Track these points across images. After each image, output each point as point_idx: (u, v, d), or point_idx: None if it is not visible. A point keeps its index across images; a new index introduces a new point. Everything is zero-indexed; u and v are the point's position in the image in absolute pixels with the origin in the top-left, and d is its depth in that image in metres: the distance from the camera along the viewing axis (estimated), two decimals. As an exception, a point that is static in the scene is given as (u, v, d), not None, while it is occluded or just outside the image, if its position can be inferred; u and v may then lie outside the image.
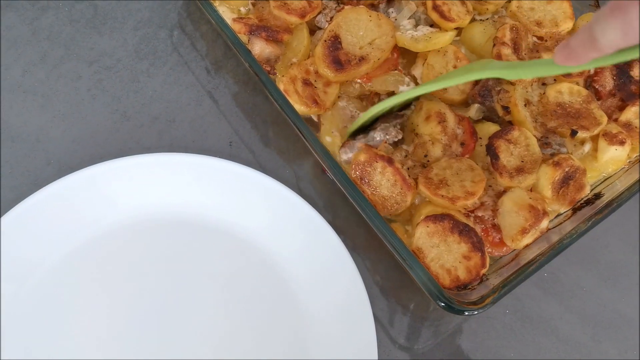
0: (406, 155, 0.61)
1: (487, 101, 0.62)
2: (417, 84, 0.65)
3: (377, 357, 0.55)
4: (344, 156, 0.61)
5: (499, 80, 0.63)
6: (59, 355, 0.56)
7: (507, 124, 0.63)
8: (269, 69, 0.64)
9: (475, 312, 0.50)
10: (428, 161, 0.60)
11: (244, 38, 0.65)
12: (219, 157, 0.64)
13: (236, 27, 0.64)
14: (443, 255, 0.55)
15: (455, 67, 0.63)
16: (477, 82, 0.63)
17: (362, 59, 0.62)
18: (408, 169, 0.60)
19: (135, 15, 0.76)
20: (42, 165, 0.66)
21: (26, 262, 0.59)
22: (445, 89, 0.63)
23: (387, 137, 0.61)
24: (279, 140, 0.70)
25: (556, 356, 0.61)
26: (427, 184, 0.58)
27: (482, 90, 0.62)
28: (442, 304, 0.50)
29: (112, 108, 0.70)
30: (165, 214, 0.63)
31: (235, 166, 0.63)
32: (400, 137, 0.62)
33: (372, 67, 0.63)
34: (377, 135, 0.61)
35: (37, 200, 0.60)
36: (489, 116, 0.64)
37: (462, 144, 0.61)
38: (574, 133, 0.61)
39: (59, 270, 0.60)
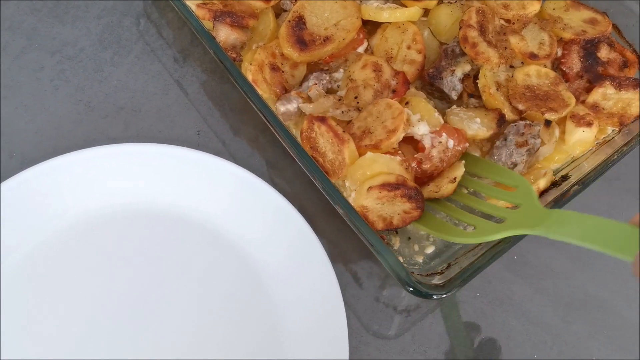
0: (340, 99, 0.61)
1: (436, 82, 0.62)
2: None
3: (347, 343, 0.55)
4: (281, 108, 0.61)
5: (454, 60, 0.63)
6: (27, 351, 0.55)
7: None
8: (234, 55, 0.63)
9: (444, 295, 0.50)
10: (358, 103, 0.60)
11: (209, 25, 0.64)
12: (187, 147, 0.63)
13: (200, 13, 0.62)
14: (385, 209, 0.56)
15: (409, 48, 0.63)
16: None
17: (327, 39, 0.62)
18: (342, 112, 0.59)
19: (98, 3, 0.74)
20: (4, 158, 0.65)
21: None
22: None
23: (322, 82, 0.62)
24: (248, 129, 0.69)
25: (527, 338, 0.61)
26: (353, 140, 0.57)
27: (433, 72, 0.62)
28: (410, 289, 0.50)
29: (75, 99, 0.68)
30: (132, 205, 0.62)
31: (203, 155, 0.62)
32: (331, 84, 0.62)
33: (338, 47, 0.63)
34: (310, 82, 0.62)
35: (0, 194, 0.58)
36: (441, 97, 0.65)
37: (393, 91, 0.61)
38: (548, 123, 0.61)
39: (24, 264, 0.58)
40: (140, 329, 0.57)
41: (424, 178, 0.59)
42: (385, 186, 0.55)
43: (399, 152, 0.57)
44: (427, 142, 0.58)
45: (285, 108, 0.61)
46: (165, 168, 0.62)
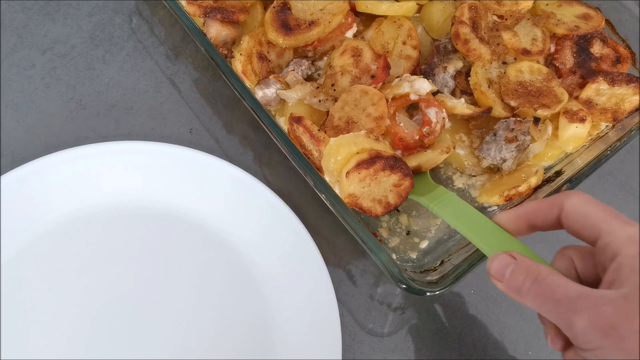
0: (317, 87, 0.60)
1: (428, 79, 0.62)
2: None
3: (341, 341, 0.55)
4: (259, 93, 0.61)
5: (446, 56, 0.63)
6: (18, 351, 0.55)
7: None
8: (226, 52, 0.63)
9: (437, 292, 0.50)
10: (335, 90, 0.59)
11: (200, 21, 0.63)
12: (179, 144, 0.62)
13: (190, 9, 0.62)
14: (373, 190, 0.55)
15: (404, 43, 0.63)
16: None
17: (312, 23, 0.62)
18: (320, 101, 0.59)
19: (89, 1, 0.74)
20: (-5, 157, 0.64)
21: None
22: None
23: (301, 68, 0.61)
24: (241, 126, 0.69)
25: (521, 335, 0.61)
26: (337, 133, 0.56)
27: (426, 69, 0.62)
28: (403, 286, 0.50)
29: (67, 97, 0.68)
30: (124, 203, 0.62)
31: (195, 153, 0.62)
32: (311, 71, 0.62)
33: (324, 31, 0.62)
34: (290, 67, 0.62)
35: (-12, 193, 0.58)
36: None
37: (372, 77, 0.60)
38: (536, 120, 0.61)
39: (15, 263, 0.58)
40: (132, 328, 0.57)
41: (414, 149, 0.58)
42: (360, 165, 0.53)
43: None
44: (432, 117, 0.57)
45: (262, 92, 0.61)
46: (158, 166, 0.62)
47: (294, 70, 0.61)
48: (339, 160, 0.55)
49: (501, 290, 0.45)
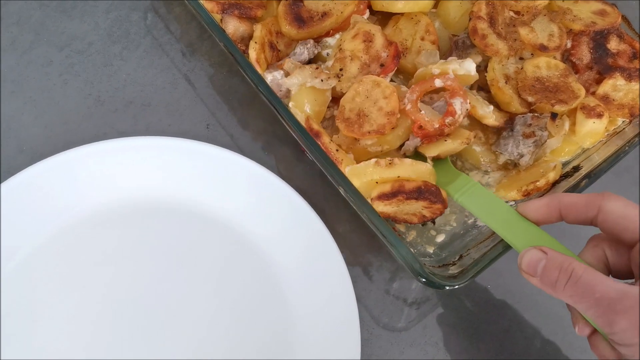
0: (317, 67, 0.59)
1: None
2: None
3: (359, 337, 0.55)
4: (269, 77, 0.61)
5: (465, 52, 0.63)
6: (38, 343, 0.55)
7: None
8: (243, 48, 0.63)
9: (456, 286, 0.50)
10: (342, 75, 0.59)
11: (216, 17, 0.64)
12: (197, 140, 0.63)
13: (208, 5, 0.62)
14: (405, 209, 0.56)
15: (422, 39, 0.63)
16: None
17: (325, 14, 0.62)
18: (322, 80, 0.58)
19: (106, -2, 0.74)
20: (14, 153, 0.65)
21: (1, 252, 0.57)
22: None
23: (306, 47, 0.61)
24: (256, 122, 0.69)
25: (537, 330, 0.61)
26: (349, 126, 0.56)
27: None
28: (423, 280, 0.50)
29: (85, 93, 0.68)
30: (142, 198, 0.62)
31: (213, 149, 0.62)
32: (319, 49, 0.62)
33: (337, 22, 0.62)
34: (297, 50, 0.62)
35: (10, 188, 0.58)
36: None
37: (381, 65, 0.59)
38: (554, 116, 0.61)
39: (35, 258, 0.58)
40: (152, 323, 0.57)
41: (433, 138, 0.58)
42: (382, 197, 0.54)
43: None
44: (457, 108, 0.56)
45: (272, 76, 0.61)
46: (177, 161, 0.62)
47: (289, 58, 0.61)
48: (360, 187, 0.55)
49: (535, 285, 0.45)
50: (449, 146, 0.58)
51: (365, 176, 0.55)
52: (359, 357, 0.54)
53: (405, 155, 0.59)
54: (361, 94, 0.57)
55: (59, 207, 0.60)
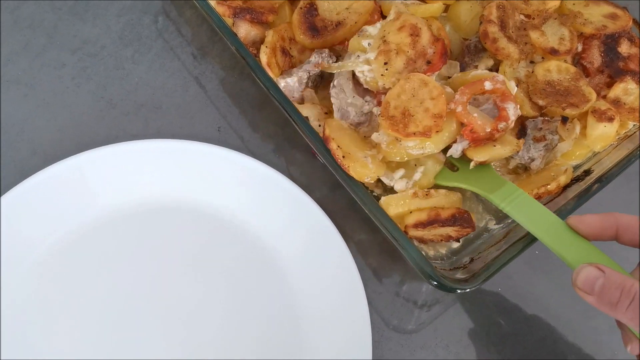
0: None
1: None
2: None
3: (371, 337, 0.55)
4: (282, 82, 0.61)
5: (477, 55, 0.63)
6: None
7: None
8: (255, 52, 0.63)
9: (467, 290, 0.50)
10: (387, 70, 0.56)
11: (228, 21, 0.64)
12: (208, 143, 0.63)
13: (220, 10, 0.63)
14: (437, 232, 0.56)
15: None
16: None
17: (338, 24, 0.62)
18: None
19: (117, 1, 0.75)
20: (27, 155, 0.65)
21: (14, 253, 0.58)
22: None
23: (322, 57, 0.61)
24: (267, 125, 0.69)
25: (548, 333, 0.61)
26: (393, 125, 0.54)
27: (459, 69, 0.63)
28: (435, 283, 0.50)
29: (97, 96, 0.69)
30: (155, 201, 0.62)
31: (224, 151, 0.63)
32: (333, 60, 0.62)
33: (350, 32, 0.62)
34: (313, 59, 0.62)
35: (23, 191, 0.59)
36: None
37: (428, 62, 0.57)
38: (565, 120, 0.61)
39: (47, 260, 0.59)
40: (164, 320, 0.58)
41: (481, 142, 0.56)
42: (418, 225, 0.55)
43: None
44: (511, 114, 0.55)
45: (285, 82, 0.61)
46: (189, 164, 0.62)
47: (308, 87, 0.62)
48: (394, 215, 0.56)
49: (590, 303, 0.45)
50: (498, 152, 0.57)
51: (403, 207, 0.56)
52: (370, 351, 0.55)
53: (450, 158, 0.59)
54: (407, 91, 0.55)
55: (71, 209, 0.61)
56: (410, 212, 0.57)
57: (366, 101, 0.59)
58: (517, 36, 0.63)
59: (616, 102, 0.63)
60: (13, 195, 0.59)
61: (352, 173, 0.55)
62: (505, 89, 0.56)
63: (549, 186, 0.58)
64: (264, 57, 0.62)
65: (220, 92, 0.71)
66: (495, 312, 0.62)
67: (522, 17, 0.65)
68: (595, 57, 0.65)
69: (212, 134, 0.68)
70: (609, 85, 0.64)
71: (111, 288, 0.58)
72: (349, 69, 0.59)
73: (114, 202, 0.62)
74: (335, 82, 0.61)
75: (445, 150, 0.58)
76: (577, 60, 0.66)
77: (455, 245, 0.59)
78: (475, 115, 0.55)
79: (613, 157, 0.61)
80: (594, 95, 0.62)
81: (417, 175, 0.57)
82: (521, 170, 0.63)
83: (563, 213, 0.55)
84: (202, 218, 0.62)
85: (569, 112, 0.61)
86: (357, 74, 0.58)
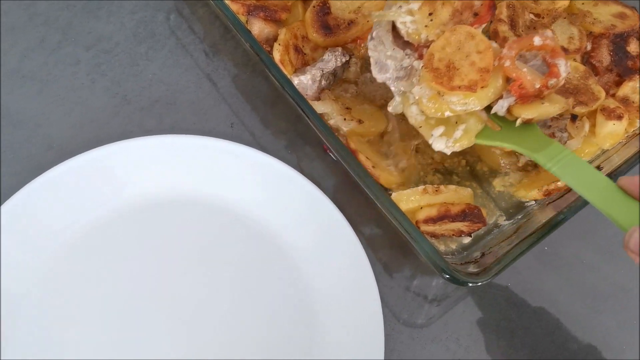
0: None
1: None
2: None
3: (383, 330, 0.56)
4: (295, 80, 0.62)
5: None
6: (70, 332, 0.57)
7: None
8: (268, 49, 0.64)
9: (479, 283, 0.51)
10: (431, 21, 0.53)
11: (242, 19, 0.65)
12: (221, 138, 0.64)
13: (234, 7, 0.64)
14: (449, 226, 0.57)
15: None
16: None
17: (351, 23, 0.63)
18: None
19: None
20: (43, 150, 0.66)
21: (30, 248, 0.59)
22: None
23: (335, 56, 0.62)
24: (279, 122, 0.70)
25: (557, 328, 0.62)
26: (437, 77, 0.51)
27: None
28: (447, 276, 0.51)
29: (112, 92, 0.70)
30: (168, 195, 0.63)
31: (237, 147, 0.63)
32: (347, 58, 0.62)
33: (362, 30, 0.63)
34: (326, 57, 0.62)
35: (39, 185, 0.60)
36: None
37: (475, 14, 0.53)
38: (574, 118, 0.62)
39: (64, 255, 0.60)
40: (177, 315, 0.58)
41: (529, 98, 0.53)
42: (428, 221, 0.57)
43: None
44: (562, 70, 0.52)
45: (298, 79, 0.62)
46: (202, 159, 0.63)
47: (327, 89, 0.63)
48: (405, 211, 0.56)
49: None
50: (547, 109, 0.54)
51: (413, 203, 0.58)
52: (383, 352, 0.55)
53: (492, 116, 0.55)
54: (452, 44, 0.52)
55: (87, 204, 0.62)
56: (421, 208, 0.58)
57: (406, 54, 0.56)
58: (526, 35, 0.64)
59: (625, 101, 0.64)
60: (29, 190, 0.59)
61: (382, 181, 0.58)
62: (555, 45, 0.52)
63: (558, 182, 0.58)
64: (277, 55, 0.62)
65: (233, 89, 0.72)
66: (504, 306, 0.63)
67: (531, 16, 0.66)
68: (604, 56, 0.66)
69: (225, 129, 0.69)
70: (618, 83, 0.65)
71: (124, 283, 0.59)
72: (389, 19, 0.55)
73: (128, 197, 0.63)
74: (373, 34, 0.57)
75: (487, 110, 0.55)
76: (586, 59, 0.67)
77: (467, 240, 0.60)
78: (525, 70, 0.52)
79: (622, 154, 0.61)
80: (603, 94, 0.63)
81: (457, 133, 0.54)
82: (531, 168, 0.64)
83: (573, 209, 0.55)
84: (215, 212, 0.63)
85: (578, 110, 0.62)
86: (398, 25, 0.54)
